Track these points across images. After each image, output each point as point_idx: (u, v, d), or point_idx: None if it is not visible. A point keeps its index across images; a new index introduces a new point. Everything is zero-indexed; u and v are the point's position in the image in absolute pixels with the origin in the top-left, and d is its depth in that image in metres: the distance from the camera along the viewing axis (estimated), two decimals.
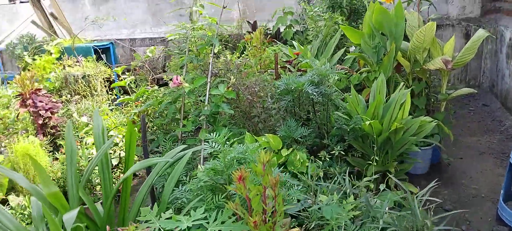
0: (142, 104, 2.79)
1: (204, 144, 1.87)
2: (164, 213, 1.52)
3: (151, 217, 1.49)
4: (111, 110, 3.94)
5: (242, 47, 6.38)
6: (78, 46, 5.46)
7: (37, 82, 4.92)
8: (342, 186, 2.03)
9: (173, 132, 2.62)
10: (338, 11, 5.20)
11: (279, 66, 3.38)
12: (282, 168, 2.24)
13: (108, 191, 1.89)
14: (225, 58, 2.92)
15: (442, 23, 6.28)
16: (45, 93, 3.48)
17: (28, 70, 5.50)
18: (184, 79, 2.55)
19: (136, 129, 2.36)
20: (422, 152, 3.52)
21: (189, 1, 7.79)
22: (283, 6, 6.56)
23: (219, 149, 1.79)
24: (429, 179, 3.54)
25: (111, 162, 2.72)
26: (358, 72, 3.87)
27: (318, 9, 5.34)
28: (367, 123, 2.40)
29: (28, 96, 3.30)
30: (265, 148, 2.37)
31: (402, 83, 3.10)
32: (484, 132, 4.53)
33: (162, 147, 2.56)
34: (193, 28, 2.92)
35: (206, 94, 2.52)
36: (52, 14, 5.88)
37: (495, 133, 4.46)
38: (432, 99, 3.76)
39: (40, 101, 3.32)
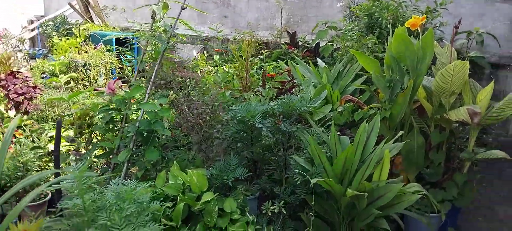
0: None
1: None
2: None
3: None
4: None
5: (277, 56, 5.95)
6: (103, 34, 5.36)
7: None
8: None
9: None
10: (377, 32, 4.56)
11: (271, 86, 2.91)
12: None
13: None
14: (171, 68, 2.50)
15: (509, 63, 5.33)
16: (27, 77, 3.33)
17: (55, 49, 5.55)
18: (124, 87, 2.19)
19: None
20: (426, 219, 2.85)
21: (234, 2, 7.50)
22: (326, 19, 6.00)
23: (75, 185, 1.40)
24: None
25: None
26: (370, 107, 3.25)
27: (354, 27, 4.75)
28: (314, 180, 1.85)
29: (3, 77, 3.16)
30: (189, 187, 1.92)
31: (400, 133, 2.48)
32: None
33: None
34: (152, 28, 2.55)
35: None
36: None
37: None
38: (457, 156, 3.03)
39: (15, 84, 3.17)
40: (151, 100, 2.18)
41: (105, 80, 4.26)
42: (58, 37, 5.68)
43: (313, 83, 3.75)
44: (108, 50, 5.07)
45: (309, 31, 6.61)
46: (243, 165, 2.10)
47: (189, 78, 2.35)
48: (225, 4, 7.59)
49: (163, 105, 2.15)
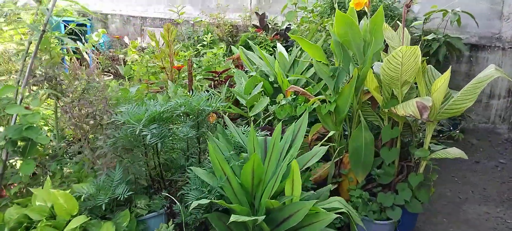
0: None
1: None
2: None
3: None
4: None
5: (244, 40, 5.55)
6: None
7: None
8: None
9: None
10: None
11: (199, 77, 2.54)
12: None
13: None
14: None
15: (489, 44, 4.92)
16: None
17: None
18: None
19: None
20: (376, 227, 2.52)
21: None
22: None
23: None
24: None
25: None
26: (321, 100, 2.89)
27: (316, 7, 4.35)
28: (195, 203, 1.49)
29: None
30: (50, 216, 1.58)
31: (331, 133, 2.13)
32: (502, 201, 3.31)
33: None
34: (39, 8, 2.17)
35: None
36: None
37: None
38: (412, 154, 2.67)
39: None
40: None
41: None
42: (6, 23, 5.26)
43: (262, 72, 3.39)
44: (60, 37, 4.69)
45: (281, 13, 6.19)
46: (136, 179, 1.75)
47: (74, 74, 1.96)
48: None
49: (34, 108, 1.79)
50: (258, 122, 2.81)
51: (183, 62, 2.78)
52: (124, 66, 3.01)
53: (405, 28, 2.55)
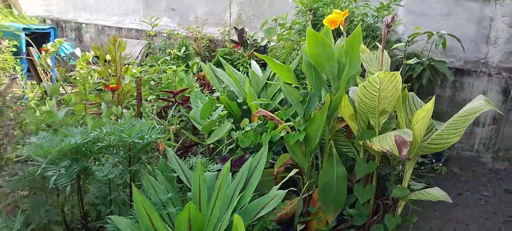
0: None
1: None
2: None
3: None
4: None
5: (219, 56, 5.27)
6: (8, 25, 4.60)
7: None
8: None
9: None
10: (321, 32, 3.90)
11: (151, 97, 2.21)
12: None
13: None
14: None
15: (475, 69, 4.72)
16: None
17: None
18: None
19: None
20: None
21: None
22: (276, 16, 5.31)
23: None
24: None
25: None
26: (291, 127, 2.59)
27: (294, 24, 4.09)
28: None
29: None
30: None
31: (293, 172, 1.82)
32: None
33: None
34: None
35: None
36: None
37: None
38: (390, 190, 2.38)
39: None
40: None
41: None
42: None
43: (230, 92, 3.09)
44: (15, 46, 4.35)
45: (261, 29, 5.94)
46: (50, 224, 1.41)
47: None
48: None
49: None
50: (219, 148, 2.49)
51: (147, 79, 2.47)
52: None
53: (385, 51, 2.29)
